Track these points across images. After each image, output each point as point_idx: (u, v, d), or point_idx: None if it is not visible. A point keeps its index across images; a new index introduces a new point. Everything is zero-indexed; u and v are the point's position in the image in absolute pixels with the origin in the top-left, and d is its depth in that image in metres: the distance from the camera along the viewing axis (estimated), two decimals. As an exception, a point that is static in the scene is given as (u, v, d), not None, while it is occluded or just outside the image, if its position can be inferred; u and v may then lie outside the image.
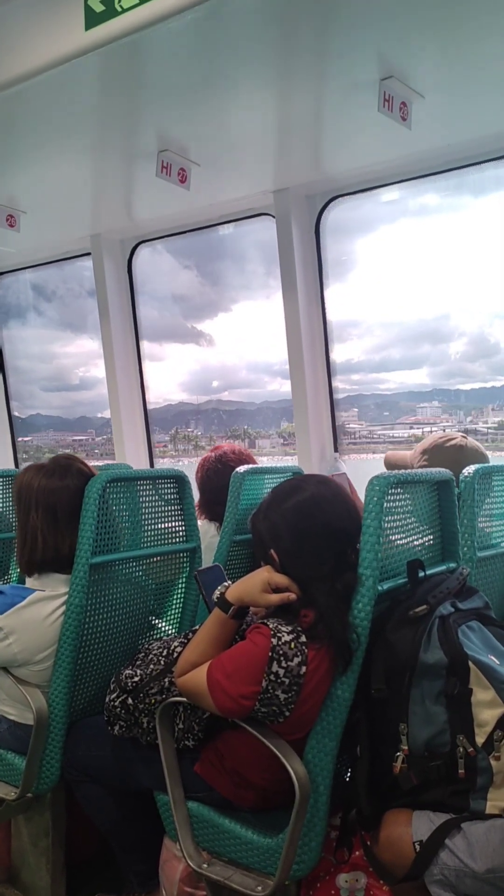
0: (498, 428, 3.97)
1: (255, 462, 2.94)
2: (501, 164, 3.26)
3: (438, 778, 1.57)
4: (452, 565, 1.95)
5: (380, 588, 1.64)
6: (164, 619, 2.45)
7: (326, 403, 3.84)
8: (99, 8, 2.27)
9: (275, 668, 1.56)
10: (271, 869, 1.72)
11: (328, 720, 1.65)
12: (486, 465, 2.21)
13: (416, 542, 1.86)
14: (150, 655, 1.99)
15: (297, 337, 3.73)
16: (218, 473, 2.90)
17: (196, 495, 2.67)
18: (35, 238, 4.33)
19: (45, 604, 2.09)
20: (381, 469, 2.17)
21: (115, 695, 1.94)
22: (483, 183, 3.42)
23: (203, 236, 4.26)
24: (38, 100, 2.67)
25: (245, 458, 2.96)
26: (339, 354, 3.86)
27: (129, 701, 1.90)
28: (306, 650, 1.59)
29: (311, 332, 3.78)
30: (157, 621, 2.40)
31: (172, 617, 2.48)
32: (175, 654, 1.91)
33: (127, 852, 2.12)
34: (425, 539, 1.91)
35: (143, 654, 2.04)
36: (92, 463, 2.28)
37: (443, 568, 1.91)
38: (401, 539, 1.80)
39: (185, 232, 4.23)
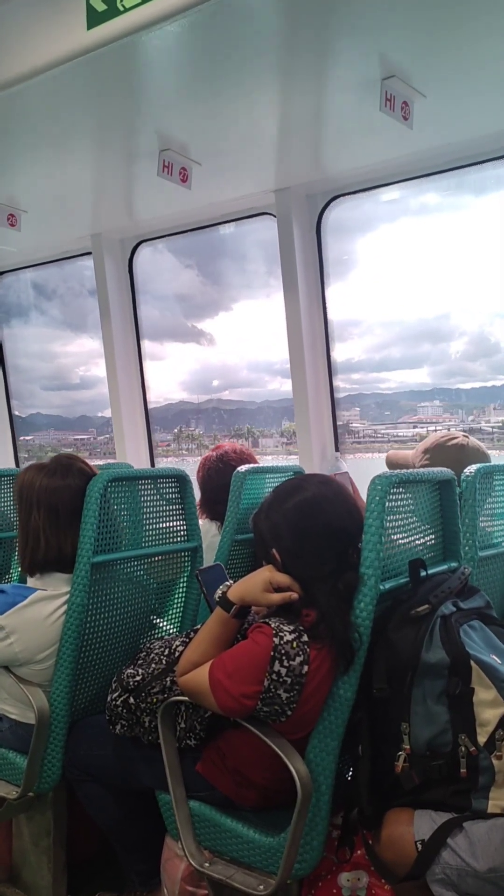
0: (502, 427, 3.97)
1: (256, 461, 2.94)
2: (502, 164, 3.25)
3: (440, 777, 1.57)
4: (454, 565, 1.95)
5: (381, 587, 1.64)
6: (166, 619, 2.45)
7: (327, 403, 3.84)
8: (101, 7, 2.27)
9: (277, 667, 1.56)
10: (273, 868, 1.72)
11: (330, 719, 1.65)
12: (487, 464, 2.21)
13: (417, 542, 1.86)
14: (152, 655, 1.99)
15: (298, 336, 3.73)
16: (219, 473, 2.90)
17: (197, 494, 2.67)
18: (36, 237, 4.33)
19: (46, 603, 2.09)
20: (386, 468, 2.17)
21: (116, 694, 1.94)
22: (484, 182, 3.43)
23: (204, 235, 4.26)
24: (39, 99, 2.67)
25: (246, 458, 2.96)
26: (339, 353, 3.87)
27: (131, 700, 1.91)
28: (308, 649, 1.59)
29: (311, 331, 3.78)
30: (158, 620, 2.40)
31: (174, 616, 2.48)
32: (176, 654, 1.91)
33: (128, 851, 2.12)
34: (427, 538, 1.91)
35: (144, 653, 2.04)
36: (95, 462, 2.28)
37: (444, 567, 1.91)
38: (402, 538, 1.80)
39: (186, 231, 4.23)
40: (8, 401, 5.28)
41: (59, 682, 2.09)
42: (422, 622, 1.63)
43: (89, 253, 4.45)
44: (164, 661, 1.93)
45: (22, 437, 5.48)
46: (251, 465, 2.61)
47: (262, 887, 1.72)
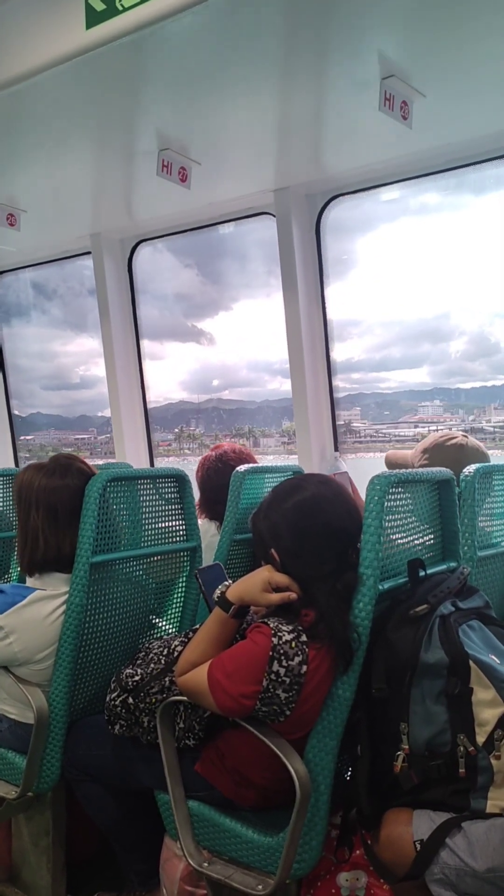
0: (503, 427, 3.97)
1: (255, 461, 2.94)
2: (502, 164, 3.25)
3: (439, 777, 1.57)
4: (453, 564, 1.95)
5: (380, 587, 1.64)
6: (165, 618, 2.45)
7: (327, 402, 3.84)
8: (100, 7, 2.27)
9: (275, 667, 1.56)
10: (272, 868, 1.72)
11: (329, 719, 1.65)
12: (486, 464, 2.21)
13: (416, 542, 1.86)
14: (151, 654, 1.99)
15: (298, 336, 3.73)
16: (218, 472, 2.90)
17: (196, 494, 2.67)
18: (35, 237, 4.33)
19: (45, 603, 2.09)
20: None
21: (115, 694, 1.94)
22: (483, 182, 3.42)
23: (203, 235, 4.26)
24: (38, 99, 2.67)
25: (245, 458, 2.96)
26: (339, 353, 3.87)
27: (130, 700, 1.90)
28: (307, 649, 1.59)
29: (311, 330, 3.78)
30: (157, 620, 2.40)
31: (173, 616, 2.48)
32: (175, 654, 1.91)
33: (127, 851, 2.12)
34: (426, 538, 1.91)
35: (143, 653, 2.04)
36: (96, 462, 2.28)
37: (443, 567, 1.91)
38: (401, 538, 1.80)
39: (185, 231, 4.23)
40: (7, 401, 5.28)
41: (58, 682, 2.09)
42: (421, 622, 1.63)
43: (89, 252, 4.44)
44: (162, 661, 1.93)
45: (22, 437, 5.48)
46: (250, 465, 2.61)
47: (260, 887, 1.72)
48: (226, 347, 4.88)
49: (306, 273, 3.74)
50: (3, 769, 2.23)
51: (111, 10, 2.26)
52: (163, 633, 2.39)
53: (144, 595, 2.31)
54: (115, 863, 2.18)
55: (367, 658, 1.63)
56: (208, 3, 2.11)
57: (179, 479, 2.43)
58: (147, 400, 4.62)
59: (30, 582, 2.17)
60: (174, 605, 2.48)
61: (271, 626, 1.60)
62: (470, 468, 2.11)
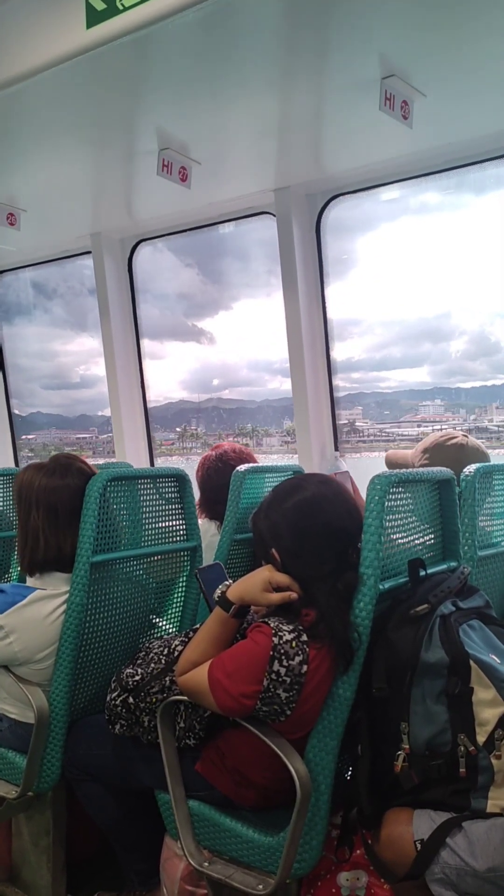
0: (505, 426, 3.98)
1: (255, 461, 2.94)
2: (502, 163, 3.25)
3: (439, 777, 1.57)
4: (453, 564, 1.95)
5: (381, 587, 1.64)
6: (165, 618, 2.45)
7: (327, 402, 3.84)
8: (100, 6, 2.27)
9: (276, 667, 1.56)
10: (272, 867, 1.72)
11: (329, 719, 1.65)
12: (486, 464, 2.21)
13: (417, 541, 1.87)
14: (151, 654, 1.99)
15: (298, 335, 3.73)
16: (218, 472, 2.90)
17: (196, 494, 2.67)
18: (35, 236, 4.33)
19: (45, 602, 2.09)
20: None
21: (115, 693, 1.94)
22: (484, 181, 3.42)
23: (204, 234, 4.26)
24: (39, 98, 2.67)
25: (246, 457, 2.96)
26: (339, 353, 3.87)
27: (130, 700, 1.91)
28: (307, 649, 1.59)
29: (311, 330, 3.78)
30: (157, 620, 2.40)
31: (173, 615, 2.48)
32: (176, 653, 1.91)
33: (128, 851, 2.12)
34: (426, 538, 1.91)
35: (143, 652, 2.04)
36: (98, 461, 2.28)
37: (444, 567, 1.91)
38: (402, 538, 1.80)
39: (185, 230, 4.23)
40: (7, 400, 5.28)
41: (58, 682, 2.09)
42: (421, 622, 1.63)
43: (89, 252, 4.44)
44: (163, 661, 1.93)
45: (23, 436, 5.48)
46: (250, 465, 2.61)
47: (261, 887, 1.72)
48: (226, 347, 4.89)
49: (306, 272, 3.74)
50: (4, 769, 2.23)
51: (112, 10, 2.25)
52: (163, 633, 2.39)
53: (145, 595, 2.31)
54: (115, 862, 2.18)
55: (367, 658, 1.63)
56: (208, 3, 2.11)
57: (179, 478, 2.43)
58: (147, 399, 4.62)
59: (30, 581, 2.17)
60: (174, 605, 2.49)
61: (272, 625, 1.60)
62: (470, 468, 2.11)
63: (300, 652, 1.58)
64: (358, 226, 3.97)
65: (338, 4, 2.18)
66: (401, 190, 3.60)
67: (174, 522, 2.42)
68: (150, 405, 4.63)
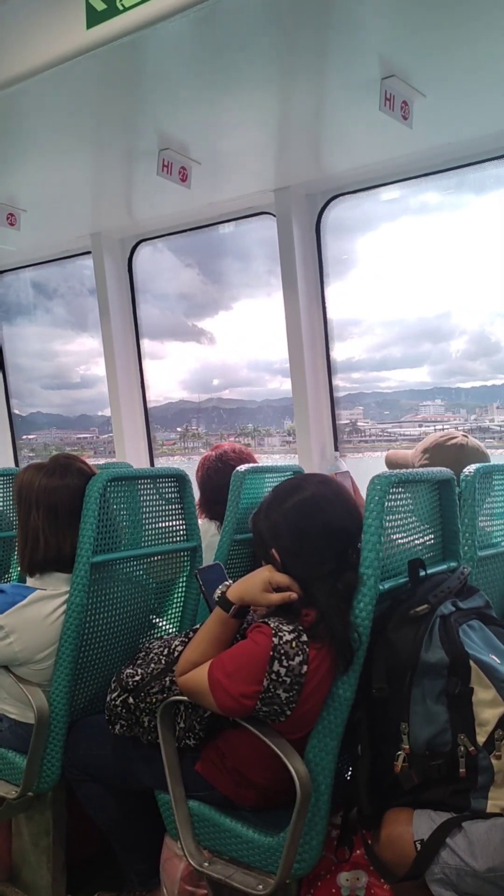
0: (507, 426, 3.97)
1: (255, 461, 2.94)
2: (502, 163, 3.25)
3: (439, 777, 1.57)
4: (453, 564, 1.95)
5: (381, 587, 1.64)
6: (165, 618, 2.45)
7: (327, 402, 3.84)
8: (100, 6, 2.27)
9: (276, 667, 1.56)
10: (272, 867, 1.72)
11: (329, 719, 1.65)
12: (486, 464, 2.21)
13: (417, 542, 1.87)
14: (151, 654, 1.99)
15: (298, 335, 3.73)
16: (218, 472, 2.90)
17: (196, 494, 2.67)
18: (35, 236, 4.33)
19: (45, 603, 2.09)
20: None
21: (115, 694, 1.94)
22: (484, 181, 3.42)
23: (204, 234, 4.26)
24: (39, 98, 2.67)
25: (245, 457, 2.96)
26: (339, 353, 3.87)
27: (130, 700, 1.91)
28: (307, 649, 1.59)
29: (311, 330, 3.78)
30: (157, 620, 2.40)
31: (173, 616, 2.48)
32: (176, 653, 1.91)
33: (128, 851, 2.12)
34: (426, 538, 1.91)
35: (143, 653, 2.04)
36: (99, 461, 2.28)
37: (444, 567, 1.91)
38: (402, 538, 1.80)
39: (185, 230, 4.23)
40: (7, 400, 5.28)
41: (58, 682, 2.09)
42: (421, 622, 1.63)
43: (89, 252, 4.44)
44: (163, 661, 1.93)
45: (24, 436, 5.48)
46: (250, 465, 2.61)
47: (261, 887, 1.72)
48: (226, 347, 4.88)
49: (306, 272, 3.74)
50: (4, 769, 2.23)
51: (112, 10, 2.25)
52: (163, 633, 2.39)
53: (145, 595, 2.31)
54: (115, 863, 2.18)
55: (367, 658, 1.63)
56: (209, 3, 2.11)
57: (179, 478, 2.43)
58: (147, 399, 4.62)
59: (30, 582, 2.17)
60: (174, 605, 2.49)
61: (272, 625, 1.60)
62: (470, 468, 2.11)
63: (300, 652, 1.58)
64: (358, 226, 3.97)
65: (338, 4, 2.18)
66: (401, 190, 3.60)
67: (174, 522, 2.42)
68: (150, 405, 4.63)
